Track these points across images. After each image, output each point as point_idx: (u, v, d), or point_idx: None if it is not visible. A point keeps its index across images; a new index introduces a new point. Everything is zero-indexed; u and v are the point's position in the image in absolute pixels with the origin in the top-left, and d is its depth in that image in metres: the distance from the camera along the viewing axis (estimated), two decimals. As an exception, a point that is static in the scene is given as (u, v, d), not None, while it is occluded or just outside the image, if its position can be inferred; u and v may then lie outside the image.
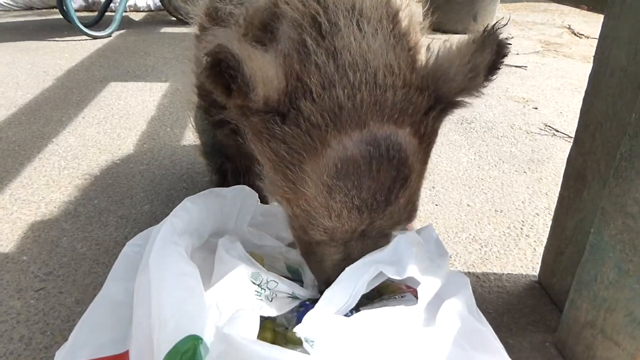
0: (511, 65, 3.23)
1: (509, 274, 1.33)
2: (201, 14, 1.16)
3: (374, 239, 0.88)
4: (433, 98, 0.84)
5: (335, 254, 0.89)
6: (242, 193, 1.08)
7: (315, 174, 0.80)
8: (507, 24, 0.83)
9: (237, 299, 0.79)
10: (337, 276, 0.84)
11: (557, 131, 2.26)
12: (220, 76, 0.74)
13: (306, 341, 0.71)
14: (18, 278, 1.27)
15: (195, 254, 0.91)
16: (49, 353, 1.05)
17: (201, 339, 0.67)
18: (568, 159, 1.19)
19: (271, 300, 0.85)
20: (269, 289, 0.86)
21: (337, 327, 0.72)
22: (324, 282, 0.92)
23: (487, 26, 0.81)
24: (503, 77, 3.26)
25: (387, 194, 0.81)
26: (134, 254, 0.93)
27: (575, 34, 4.41)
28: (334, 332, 0.71)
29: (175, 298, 0.71)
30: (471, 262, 1.37)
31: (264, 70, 0.76)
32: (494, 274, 1.33)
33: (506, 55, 0.82)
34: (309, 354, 0.71)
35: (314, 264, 0.95)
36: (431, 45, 0.91)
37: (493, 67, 0.82)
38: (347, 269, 0.84)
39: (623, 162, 0.89)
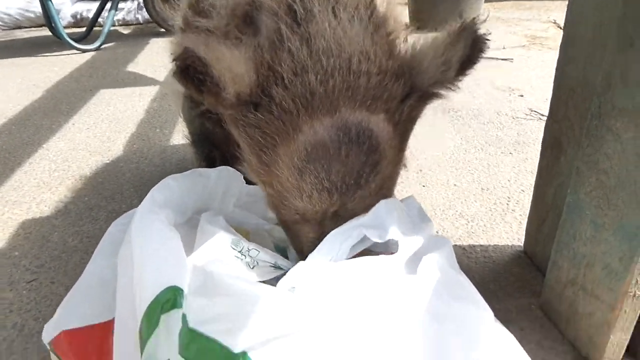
0: (497, 59, 3.26)
1: (495, 245, 1.35)
2: (184, 6, 1.19)
3: (347, 219, 0.88)
4: (409, 86, 0.85)
5: (310, 232, 0.91)
6: (226, 173, 1.09)
7: (287, 157, 0.82)
8: (486, 19, 0.84)
9: (217, 263, 0.80)
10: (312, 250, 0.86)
11: (542, 115, 2.28)
12: (190, 79, 0.75)
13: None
14: (10, 272, 1.28)
15: (177, 229, 0.92)
16: (41, 338, 1.05)
17: (181, 289, 0.68)
18: (545, 128, 1.21)
19: (252, 268, 0.86)
20: (251, 257, 0.87)
21: (317, 274, 0.74)
22: (303, 258, 0.94)
23: (464, 20, 0.81)
24: (489, 69, 3.30)
25: (356, 177, 0.82)
26: (119, 233, 0.94)
27: (560, 28, 4.44)
28: (314, 278, 0.73)
29: (156, 258, 0.72)
30: (458, 236, 1.39)
31: (233, 69, 0.78)
32: (480, 245, 1.35)
33: (483, 51, 0.83)
34: None
35: (292, 241, 0.98)
36: (410, 37, 0.93)
37: (468, 62, 0.83)
38: (330, 233, 0.85)
39: (594, 121, 0.92)
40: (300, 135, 0.80)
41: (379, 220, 0.89)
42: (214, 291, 0.66)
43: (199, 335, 0.64)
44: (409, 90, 0.85)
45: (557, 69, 1.16)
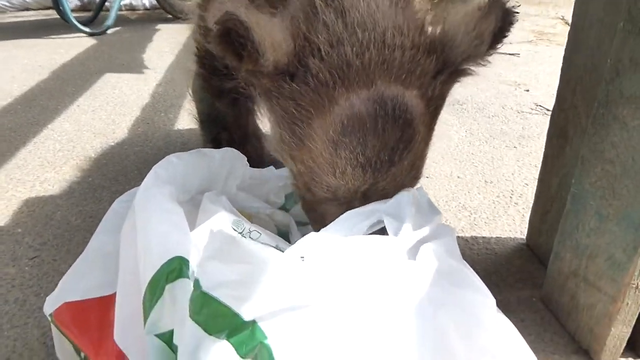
0: (504, 53, 3.25)
1: (497, 237, 1.35)
2: None
3: (376, 200, 0.88)
4: (441, 62, 0.84)
5: (337, 213, 0.89)
6: (231, 155, 1.09)
7: (322, 130, 0.81)
8: None
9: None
10: None
11: (548, 110, 2.27)
12: (230, 44, 0.75)
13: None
14: (13, 248, 1.28)
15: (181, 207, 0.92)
16: (42, 313, 1.05)
17: (186, 259, 0.68)
18: (551, 118, 1.21)
19: None
20: (251, 239, 0.87)
21: (325, 246, 0.74)
22: None
23: None
24: (496, 63, 3.27)
25: (390, 153, 0.81)
26: (123, 209, 0.94)
27: (568, 24, 4.42)
28: (322, 250, 0.73)
29: (160, 230, 0.73)
30: (460, 228, 1.39)
31: (272, 35, 0.78)
32: (483, 237, 1.35)
33: (513, 23, 0.82)
34: None
35: (316, 223, 0.97)
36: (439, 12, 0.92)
37: (499, 34, 0.82)
38: (347, 212, 0.84)
39: (600, 109, 0.91)
40: (336, 108, 0.79)
41: (398, 211, 0.87)
42: (230, 256, 0.66)
43: (212, 299, 0.64)
44: (441, 66, 0.84)
45: (564, 58, 1.15)
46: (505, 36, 0.83)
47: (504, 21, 0.80)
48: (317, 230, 0.95)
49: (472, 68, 0.88)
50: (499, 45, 0.84)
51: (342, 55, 0.78)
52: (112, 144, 1.90)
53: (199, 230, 0.80)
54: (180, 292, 0.66)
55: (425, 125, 0.85)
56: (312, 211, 0.96)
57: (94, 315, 0.78)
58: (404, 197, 0.87)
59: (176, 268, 0.67)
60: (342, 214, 0.88)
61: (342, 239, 0.77)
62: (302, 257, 0.73)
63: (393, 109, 0.79)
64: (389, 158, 0.82)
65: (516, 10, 0.81)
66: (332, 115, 0.80)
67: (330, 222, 0.90)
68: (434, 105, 0.86)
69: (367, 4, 0.81)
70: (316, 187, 0.87)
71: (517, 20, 0.81)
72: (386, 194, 0.87)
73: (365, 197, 0.87)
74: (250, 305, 0.63)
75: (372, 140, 0.79)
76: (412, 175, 0.88)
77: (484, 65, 0.87)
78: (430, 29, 0.86)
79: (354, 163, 0.81)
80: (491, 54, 0.86)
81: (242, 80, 0.91)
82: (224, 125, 1.37)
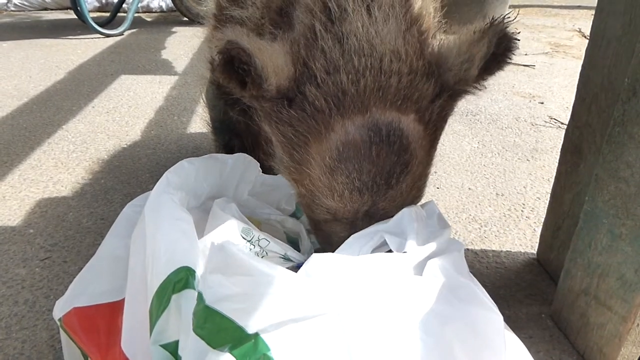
0: (519, 64, 3.23)
1: (507, 251, 1.34)
2: None
3: (379, 219, 0.89)
4: (439, 85, 0.85)
5: (342, 231, 0.91)
6: (243, 161, 1.09)
7: (319, 156, 0.82)
8: (515, 19, 0.81)
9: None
10: None
11: (562, 123, 2.26)
12: (233, 71, 0.76)
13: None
14: (24, 248, 1.30)
15: (190, 213, 0.92)
16: (51, 315, 1.07)
17: (193, 270, 0.69)
18: (565, 134, 1.20)
19: (261, 258, 0.86)
20: (260, 247, 0.87)
21: (332, 265, 0.74)
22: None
23: (492, 18, 0.79)
24: (510, 75, 3.28)
25: (387, 177, 0.82)
26: (134, 214, 0.95)
27: (585, 37, 4.40)
28: (328, 268, 0.73)
29: (168, 238, 0.73)
30: (470, 240, 1.38)
31: (274, 60, 0.79)
32: (493, 251, 1.34)
33: (510, 49, 0.80)
34: None
35: (323, 241, 0.98)
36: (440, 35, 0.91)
37: (494, 61, 0.81)
38: (351, 236, 0.85)
39: (616, 128, 0.91)
40: (332, 135, 0.80)
41: (400, 228, 0.88)
42: (232, 270, 0.66)
43: (215, 312, 0.64)
44: (439, 90, 0.85)
45: (581, 74, 1.14)
46: (503, 63, 0.81)
47: (499, 46, 0.79)
48: (325, 249, 0.96)
49: (470, 90, 0.87)
50: (494, 72, 0.83)
51: (338, 83, 0.79)
52: (125, 146, 1.92)
53: (207, 238, 0.81)
54: (185, 303, 0.67)
55: (423, 148, 0.85)
56: (319, 230, 0.97)
57: (103, 321, 0.79)
58: (404, 214, 0.87)
59: (183, 278, 0.67)
60: (346, 232, 0.89)
61: (348, 258, 0.77)
62: (309, 276, 0.72)
63: (387, 135, 0.80)
64: (386, 182, 0.83)
65: (516, 37, 0.79)
66: (328, 141, 0.81)
67: (336, 240, 0.91)
68: (433, 128, 0.86)
69: (367, 29, 0.81)
70: (317, 209, 0.89)
71: (517, 48, 0.80)
72: (387, 214, 0.88)
73: (367, 217, 0.88)
74: (253, 317, 0.63)
75: (367, 165, 0.81)
76: (412, 195, 0.89)
77: (479, 89, 0.87)
78: (430, 51, 0.86)
79: (351, 187, 0.82)
80: (486, 79, 0.85)
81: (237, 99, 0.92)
82: (236, 132, 1.37)
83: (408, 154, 0.82)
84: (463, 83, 0.85)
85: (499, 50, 0.79)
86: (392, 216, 0.90)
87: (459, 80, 0.84)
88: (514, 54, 0.82)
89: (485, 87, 0.87)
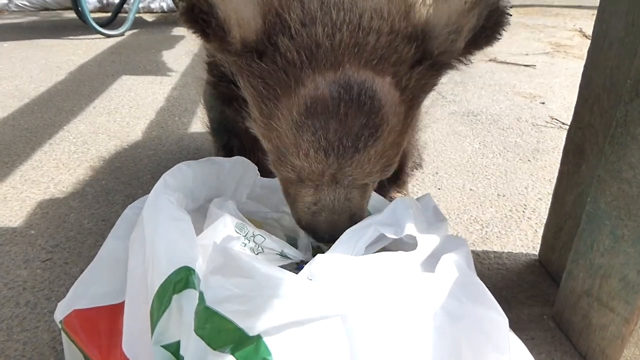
0: (519, 64, 3.23)
1: (509, 252, 1.34)
2: None
3: (346, 188, 0.87)
4: (421, 51, 0.81)
5: (307, 195, 0.89)
6: (242, 164, 1.08)
7: (287, 111, 0.80)
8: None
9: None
10: (309, 220, 0.86)
11: (563, 124, 2.26)
12: (195, 21, 0.74)
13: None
14: (25, 250, 1.30)
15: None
16: (52, 317, 1.06)
17: (193, 270, 0.68)
18: (567, 134, 1.20)
19: (257, 254, 0.84)
20: (255, 243, 0.86)
21: (336, 266, 0.73)
22: (300, 225, 0.94)
23: None
24: (511, 75, 3.27)
25: (354, 139, 0.79)
26: (135, 216, 0.94)
27: (586, 37, 4.39)
28: (332, 270, 0.72)
29: (168, 239, 0.73)
30: (471, 241, 1.38)
31: (239, 12, 0.76)
32: (494, 252, 1.33)
33: (501, 24, 0.78)
34: None
35: (290, 205, 0.96)
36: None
37: (484, 35, 0.79)
38: (346, 231, 0.83)
39: (619, 129, 0.90)
40: (301, 89, 0.77)
41: (395, 218, 0.88)
42: (233, 271, 0.65)
43: (215, 314, 0.64)
44: (421, 56, 0.81)
45: (583, 75, 1.14)
46: (492, 39, 0.79)
47: (490, 20, 0.77)
48: (295, 216, 0.94)
49: (454, 63, 0.85)
50: (483, 47, 0.81)
51: (312, 35, 0.76)
52: (126, 147, 1.92)
53: (203, 235, 0.80)
54: (187, 303, 0.67)
55: (397, 115, 0.82)
56: (287, 195, 0.95)
57: (104, 323, 0.79)
58: (397, 204, 0.86)
59: (183, 278, 0.67)
60: (311, 197, 0.87)
61: (353, 258, 0.77)
62: (311, 279, 0.72)
63: (358, 94, 0.77)
64: (353, 144, 0.79)
65: (509, 12, 0.77)
66: (297, 96, 0.78)
67: (300, 205, 0.90)
68: (410, 96, 0.83)
69: None
70: (282, 167, 0.86)
71: (509, 23, 0.77)
72: (355, 182, 0.85)
73: (333, 182, 0.85)
74: (255, 320, 0.63)
75: (334, 124, 0.77)
76: (382, 164, 0.85)
77: (464, 64, 0.84)
78: (417, 16, 0.81)
79: (317, 146, 0.79)
80: (472, 54, 0.82)
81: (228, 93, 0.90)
82: (235, 133, 1.37)
83: (379, 117, 0.79)
84: (447, 55, 0.82)
85: (488, 23, 0.77)
86: (360, 187, 0.88)
87: (444, 50, 0.81)
88: (504, 29, 0.80)
89: (471, 62, 0.84)
